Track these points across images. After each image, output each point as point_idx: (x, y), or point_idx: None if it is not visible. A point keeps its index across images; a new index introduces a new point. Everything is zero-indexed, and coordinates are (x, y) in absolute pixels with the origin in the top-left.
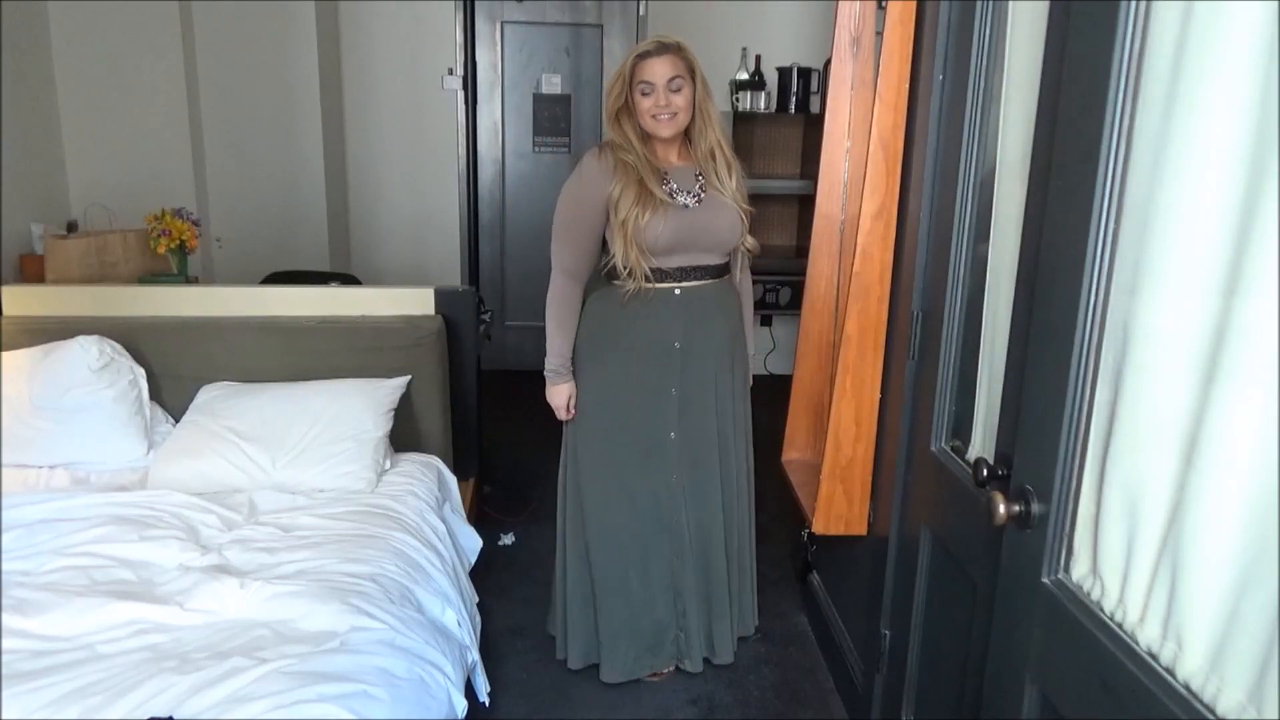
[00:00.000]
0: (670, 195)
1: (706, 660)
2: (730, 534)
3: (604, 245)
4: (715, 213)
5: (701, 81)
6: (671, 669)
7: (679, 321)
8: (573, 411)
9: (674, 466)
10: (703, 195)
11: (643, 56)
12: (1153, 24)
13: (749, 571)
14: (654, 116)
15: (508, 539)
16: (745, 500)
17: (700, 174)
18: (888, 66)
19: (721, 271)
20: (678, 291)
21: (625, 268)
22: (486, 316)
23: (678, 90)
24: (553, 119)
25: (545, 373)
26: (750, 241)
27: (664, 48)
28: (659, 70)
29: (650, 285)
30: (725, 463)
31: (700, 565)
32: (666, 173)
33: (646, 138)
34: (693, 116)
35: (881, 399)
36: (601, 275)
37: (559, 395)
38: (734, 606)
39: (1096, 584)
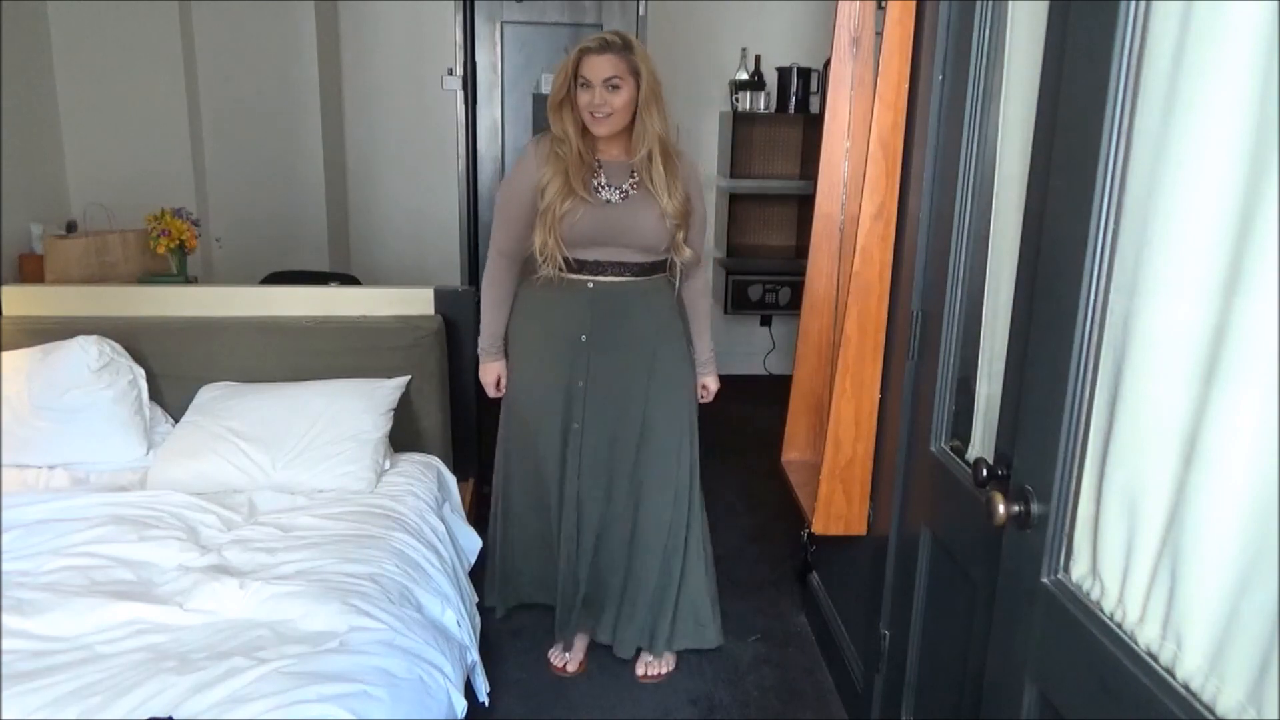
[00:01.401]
0: (596, 189)
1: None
2: (651, 539)
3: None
4: (638, 211)
5: (648, 84)
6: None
7: (587, 315)
8: (503, 390)
9: (578, 456)
10: (631, 193)
11: (586, 51)
12: (1153, 24)
13: (685, 581)
14: (590, 113)
15: None
16: (677, 509)
17: (635, 172)
18: (887, 66)
19: (649, 270)
20: (590, 285)
21: (542, 255)
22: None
23: (615, 90)
24: None
25: (479, 351)
26: (687, 253)
27: (606, 45)
28: (598, 68)
29: (565, 275)
30: (636, 464)
31: (601, 561)
32: (600, 165)
33: (586, 130)
34: (635, 116)
35: (881, 399)
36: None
37: (489, 374)
38: (657, 614)
39: (1096, 584)
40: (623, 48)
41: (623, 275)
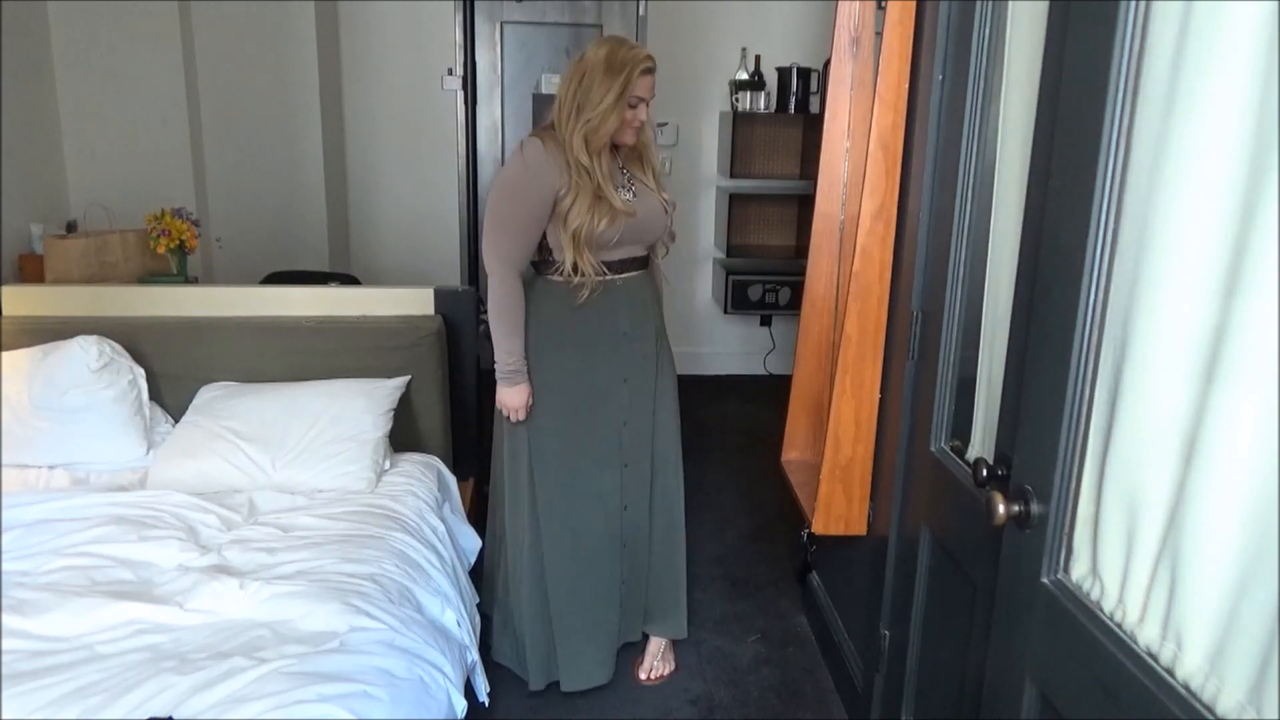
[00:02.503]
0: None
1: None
2: (667, 519)
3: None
4: (647, 206)
5: None
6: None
7: (625, 309)
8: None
9: (626, 456)
10: (635, 190)
11: (647, 71)
12: (1152, 24)
13: (682, 563)
14: (631, 126)
15: None
16: (679, 485)
17: (624, 168)
18: (887, 66)
19: (646, 262)
20: (619, 282)
21: (577, 269)
22: (486, 316)
23: (648, 105)
24: None
25: (499, 375)
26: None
27: (654, 65)
28: (650, 87)
29: (602, 278)
30: (657, 448)
31: (633, 552)
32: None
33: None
34: None
35: (881, 399)
36: (542, 272)
37: (518, 396)
38: (657, 599)
39: (1096, 584)
40: None
41: (636, 269)
